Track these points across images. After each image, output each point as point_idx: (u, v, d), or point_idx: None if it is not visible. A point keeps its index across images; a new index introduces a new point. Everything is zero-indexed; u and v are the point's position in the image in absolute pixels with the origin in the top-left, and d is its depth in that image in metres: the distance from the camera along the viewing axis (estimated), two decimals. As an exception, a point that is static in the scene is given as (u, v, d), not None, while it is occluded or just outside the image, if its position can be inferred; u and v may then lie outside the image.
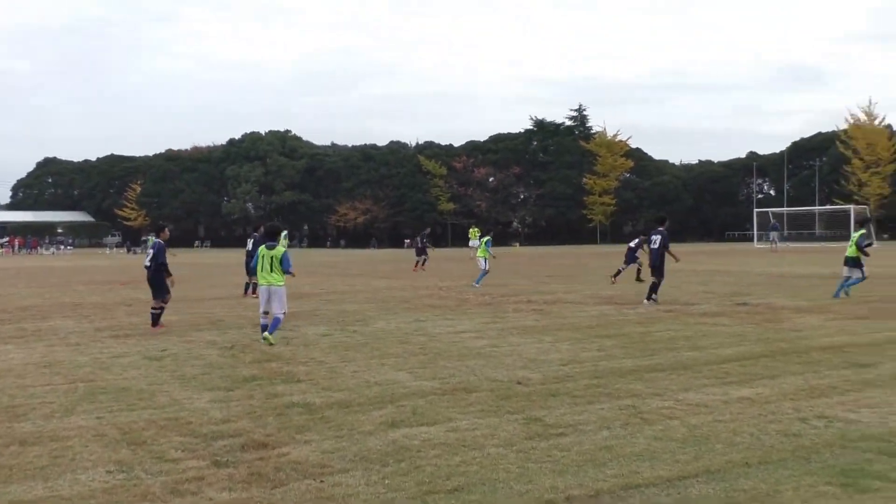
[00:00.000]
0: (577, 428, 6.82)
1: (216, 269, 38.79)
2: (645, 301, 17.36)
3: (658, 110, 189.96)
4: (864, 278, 18.38)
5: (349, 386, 8.81)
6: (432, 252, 38.12)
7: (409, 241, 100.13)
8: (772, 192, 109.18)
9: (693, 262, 38.63)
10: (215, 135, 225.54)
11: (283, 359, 10.74)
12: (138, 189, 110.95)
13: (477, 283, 23.67)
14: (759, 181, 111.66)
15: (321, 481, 5.52)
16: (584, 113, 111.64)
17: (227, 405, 7.92)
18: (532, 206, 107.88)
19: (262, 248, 12.36)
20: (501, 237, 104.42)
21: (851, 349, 10.80)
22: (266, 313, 12.33)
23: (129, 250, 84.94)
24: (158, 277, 14.10)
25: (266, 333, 11.96)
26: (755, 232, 71.59)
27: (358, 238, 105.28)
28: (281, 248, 12.20)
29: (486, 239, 25.03)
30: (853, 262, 18.25)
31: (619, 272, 24.13)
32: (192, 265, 33.06)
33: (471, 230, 43.60)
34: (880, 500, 4.96)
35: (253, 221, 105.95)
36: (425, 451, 6.18)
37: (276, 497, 5.24)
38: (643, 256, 23.35)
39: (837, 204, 77.28)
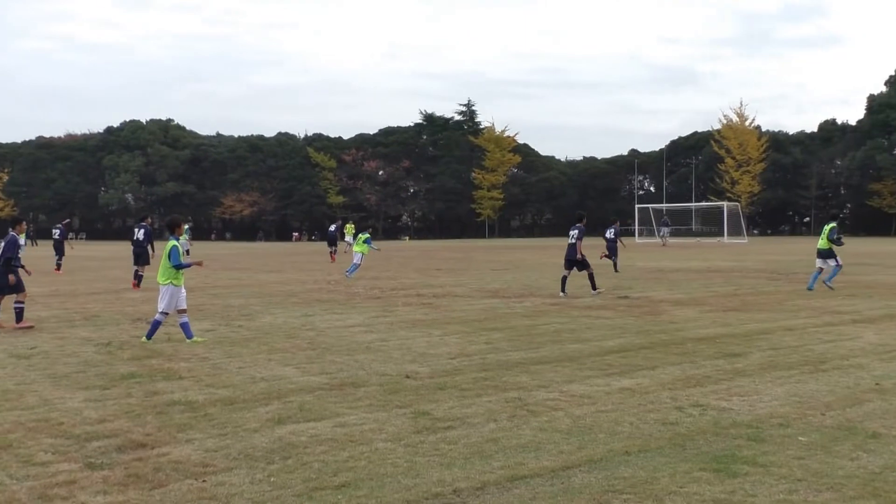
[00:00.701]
0: (465, 421, 6.87)
1: (93, 262, 37.21)
2: (594, 292, 18.01)
3: (543, 107, 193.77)
4: (840, 266, 19.23)
5: (234, 382, 8.61)
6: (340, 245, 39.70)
7: (296, 234, 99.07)
8: (652, 189, 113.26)
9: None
10: (92, 122, 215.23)
11: (164, 355, 10.39)
12: (5, 177, 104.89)
13: (349, 273, 24.49)
14: (640, 178, 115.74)
15: (203, 481, 5.36)
16: (473, 108, 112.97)
17: (103, 404, 7.60)
18: (422, 199, 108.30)
19: None
20: (391, 231, 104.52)
21: (724, 340, 11.31)
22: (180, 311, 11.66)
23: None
24: (5, 273, 13.40)
25: (143, 337, 11.56)
26: (636, 227, 74.13)
27: (244, 231, 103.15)
28: (172, 242, 11.70)
29: (365, 236, 26.04)
30: (827, 254, 19.10)
31: (614, 264, 26.24)
32: (65, 258, 31.54)
33: (346, 226, 47.87)
34: (748, 483, 5.21)
35: (134, 213, 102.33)
36: (312, 448, 6.10)
37: (155, 498, 5.06)
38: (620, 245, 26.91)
39: (712, 201, 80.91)
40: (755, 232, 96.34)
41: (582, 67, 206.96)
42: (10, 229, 14.01)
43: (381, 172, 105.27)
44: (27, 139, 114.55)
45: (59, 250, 29.29)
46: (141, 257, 21.45)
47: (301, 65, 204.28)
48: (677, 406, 7.34)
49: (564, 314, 14.52)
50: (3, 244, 13.62)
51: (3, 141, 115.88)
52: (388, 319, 14.01)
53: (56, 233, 30.08)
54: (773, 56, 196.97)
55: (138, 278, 21.16)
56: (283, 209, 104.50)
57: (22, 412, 7.31)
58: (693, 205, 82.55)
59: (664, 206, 77.82)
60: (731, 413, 7.07)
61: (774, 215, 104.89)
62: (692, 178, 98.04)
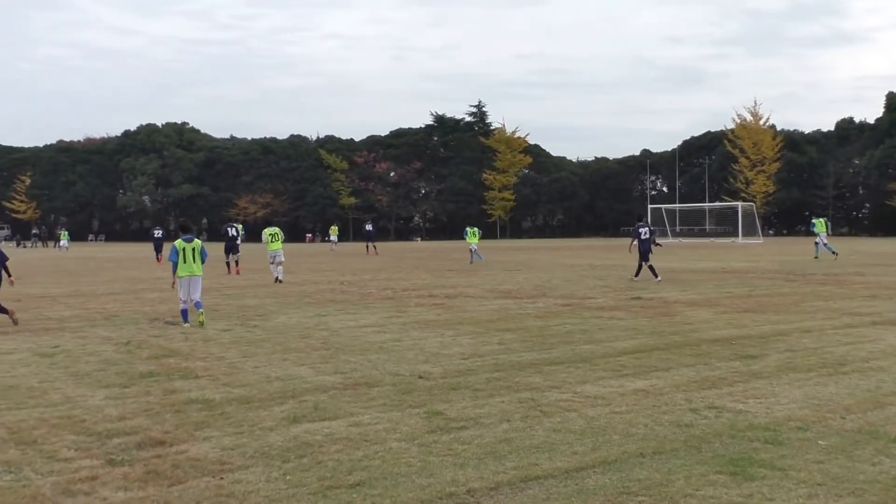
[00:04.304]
0: (478, 421, 6.89)
1: (111, 263, 37.45)
2: (657, 280, 21.33)
3: (552, 107, 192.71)
4: None
5: (250, 381, 8.67)
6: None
7: (310, 235, 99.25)
8: (664, 189, 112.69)
9: (589, 257, 39.61)
10: (109, 126, 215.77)
11: (182, 354, 10.48)
12: (28, 181, 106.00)
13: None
14: (653, 178, 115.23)
15: (220, 478, 5.41)
16: (483, 109, 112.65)
17: (123, 402, 7.68)
18: (433, 200, 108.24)
19: (179, 242, 13.11)
20: (403, 232, 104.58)
21: (740, 341, 11.24)
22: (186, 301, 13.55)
23: (18, 244, 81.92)
24: None
25: (199, 312, 13.38)
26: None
27: (258, 232, 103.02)
28: (198, 241, 13.72)
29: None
30: None
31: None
32: (85, 259, 31.67)
33: (332, 228, 56.26)
34: (766, 487, 5.16)
35: (150, 215, 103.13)
36: (327, 447, 6.14)
37: (173, 495, 5.11)
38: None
39: (726, 201, 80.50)
40: (770, 232, 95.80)
41: (588, 68, 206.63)
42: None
43: (392, 174, 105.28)
44: (48, 143, 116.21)
45: (235, 249, 29.71)
46: (233, 249, 28.42)
47: (309, 68, 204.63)
48: (692, 408, 7.30)
49: (577, 315, 14.51)
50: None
51: (26, 145, 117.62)
52: (400, 320, 14.05)
53: (232, 231, 31.07)
54: (784, 54, 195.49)
55: (235, 264, 27.68)
56: (296, 210, 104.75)
57: (45, 409, 7.41)
58: (707, 205, 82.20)
59: (677, 206, 77.65)
60: (748, 415, 7.01)
61: (790, 215, 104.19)
62: (705, 178, 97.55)
